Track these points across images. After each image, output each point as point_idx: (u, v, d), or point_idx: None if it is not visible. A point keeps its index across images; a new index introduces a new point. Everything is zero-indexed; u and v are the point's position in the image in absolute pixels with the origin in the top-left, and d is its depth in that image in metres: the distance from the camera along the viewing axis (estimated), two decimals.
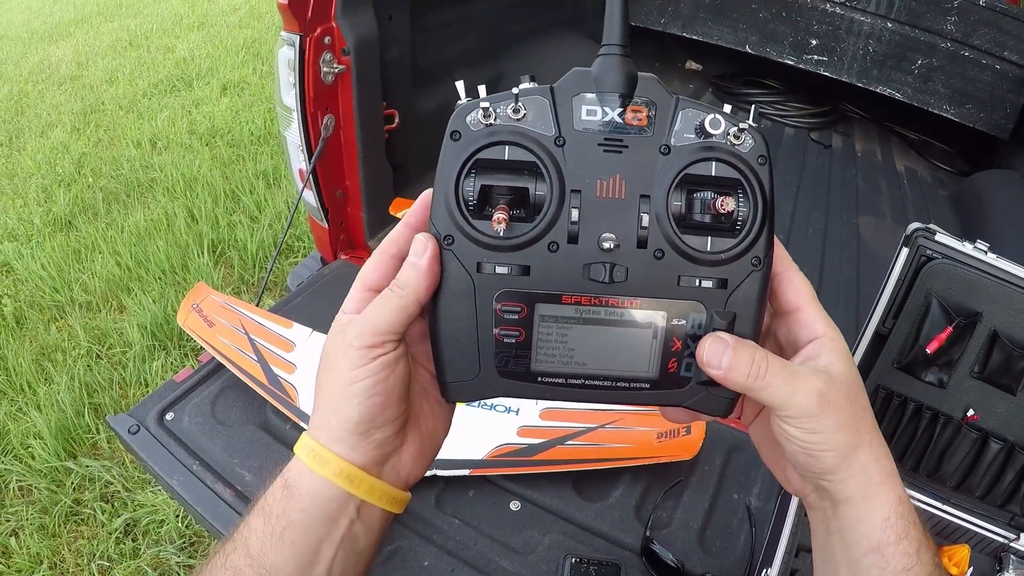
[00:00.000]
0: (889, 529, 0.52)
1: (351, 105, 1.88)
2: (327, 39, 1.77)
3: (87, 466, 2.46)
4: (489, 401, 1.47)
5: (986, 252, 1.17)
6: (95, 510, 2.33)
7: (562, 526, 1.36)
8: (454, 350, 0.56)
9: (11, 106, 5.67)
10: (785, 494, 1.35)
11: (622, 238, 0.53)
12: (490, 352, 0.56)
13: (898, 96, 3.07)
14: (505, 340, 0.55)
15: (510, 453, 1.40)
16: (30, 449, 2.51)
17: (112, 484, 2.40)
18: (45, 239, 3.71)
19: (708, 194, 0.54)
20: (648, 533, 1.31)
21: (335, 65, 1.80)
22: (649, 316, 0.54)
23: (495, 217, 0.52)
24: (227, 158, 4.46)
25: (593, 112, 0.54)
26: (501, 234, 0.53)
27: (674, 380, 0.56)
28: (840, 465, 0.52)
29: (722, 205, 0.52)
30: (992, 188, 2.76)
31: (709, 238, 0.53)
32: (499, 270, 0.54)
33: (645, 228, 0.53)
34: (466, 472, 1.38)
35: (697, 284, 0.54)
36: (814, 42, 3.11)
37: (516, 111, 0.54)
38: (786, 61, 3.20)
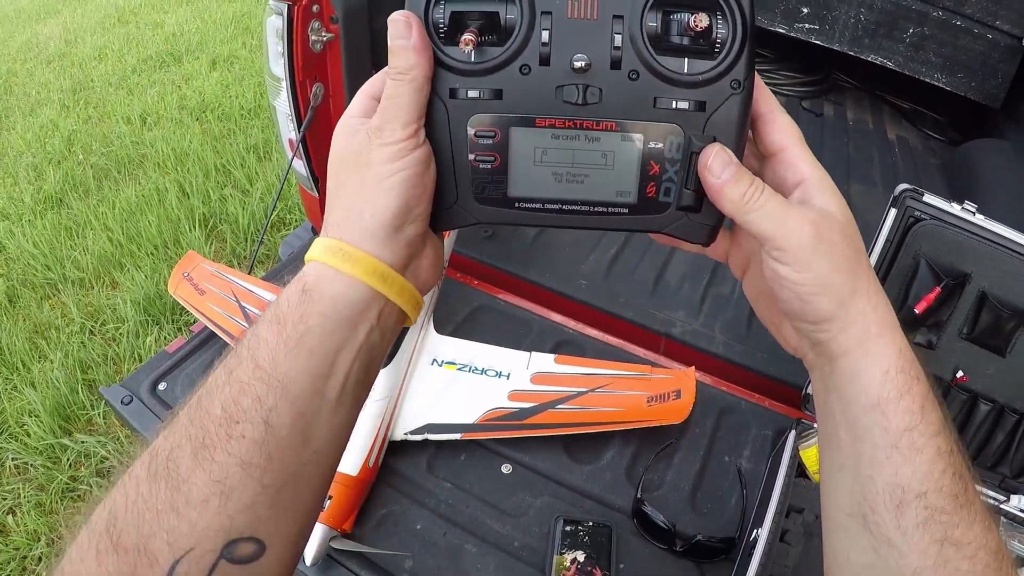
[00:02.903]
0: (889, 384, 0.49)
1: (340, 74, 1.86)
2: (315, 7, 1.75)
3: (82, 442, 2.47)
4: (479, 365, 1.48)
5: (974, 213, 1.17)
6: (91, 486, 2.34)
7: (553, 489, 1.37)
8: None
9: None
10: (775, 457, 1.36)
11: (595, 59, 0.52)
12: (467, 178, 0.55)
13: (889, 65, 3.05)
14: (481, 166, 0.55)
15: (501, 417, 1.40)
16: (25, 427, 2.52)
17: (108, 459, 2.41)
18: (36, 217, 3.68)
19: (685, 15, 0.52)
20: (639, 495, 1.32)
21: (323, 33, 1.79)
22: (626, 139, 0.53)
23: (463, 39, 0.51)
24: (217, 132, 4.42)
25: None
26: (472, 58, 0.52)
27: (653, 205, 0.55)
28: (836, 313, 0.50)
29: (695, 23, 0.51)
30: (983, 157, 2.76)
31: (686, 59, 0.52)
32: (471, 94, 0.53)
33: (618, 48, 0.52)
34: (457, 436, 1.38)
35: (674, 106, 0.52)
36: (805, 10, 3.09)
37: None
38: (777, 29, 3.17)
